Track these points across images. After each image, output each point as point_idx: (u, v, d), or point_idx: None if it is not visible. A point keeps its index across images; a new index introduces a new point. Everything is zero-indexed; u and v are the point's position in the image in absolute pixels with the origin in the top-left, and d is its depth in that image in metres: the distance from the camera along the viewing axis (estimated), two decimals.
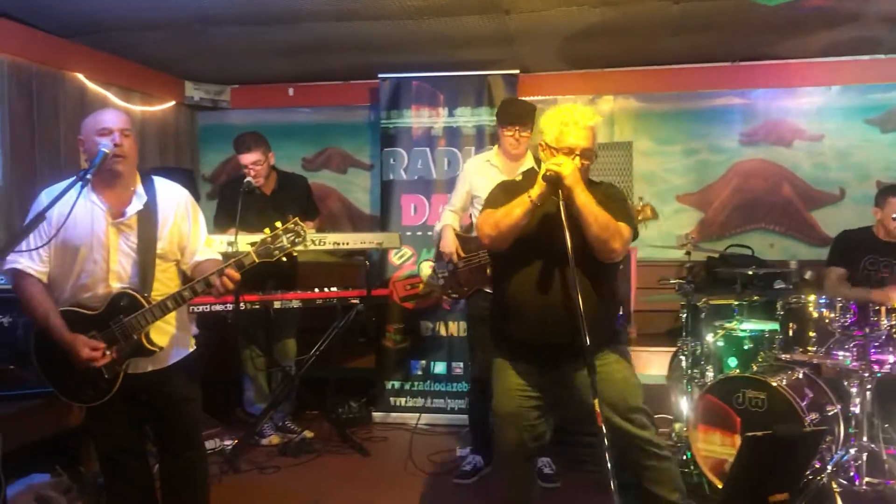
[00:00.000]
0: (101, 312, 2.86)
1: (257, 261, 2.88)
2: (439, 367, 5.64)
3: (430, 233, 5.64)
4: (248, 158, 4.78)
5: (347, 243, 4.90)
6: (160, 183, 3.05)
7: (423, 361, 5.66)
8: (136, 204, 2.92)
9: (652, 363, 5.27)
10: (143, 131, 5.85)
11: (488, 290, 3.85)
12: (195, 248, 3.09)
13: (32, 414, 3.63)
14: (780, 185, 6.03)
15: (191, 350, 3.14)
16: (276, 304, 4.75)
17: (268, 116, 6.52)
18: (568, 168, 2.71)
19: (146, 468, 3.19)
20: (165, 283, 3.00)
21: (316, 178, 6.25)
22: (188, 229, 3.07)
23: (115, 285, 2.89)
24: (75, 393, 2.97)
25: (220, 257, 3.14)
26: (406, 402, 5.64)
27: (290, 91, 6.57)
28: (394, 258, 5.75)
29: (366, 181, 6.63)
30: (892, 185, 4.61)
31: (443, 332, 5.64)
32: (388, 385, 5.67)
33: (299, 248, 2.89)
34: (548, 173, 2.71)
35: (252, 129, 5.08)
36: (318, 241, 4.64)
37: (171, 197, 3.04)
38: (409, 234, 5.67)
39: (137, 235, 2.92)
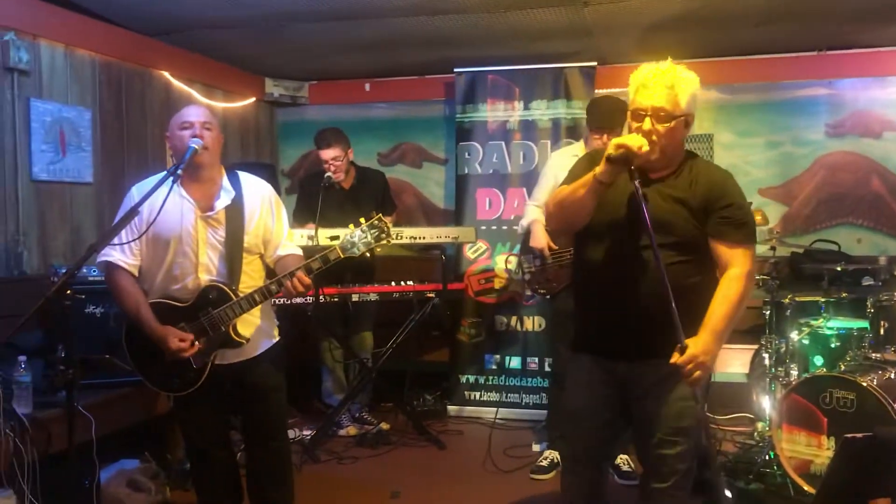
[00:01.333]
0: (191, 305, 2.94)
1: (342, 256, 2.92)
2: (514, 362, 5.62)
3: (504, 227, 5.66)
4: (328, 154, 4.84)
5: (424, 237, 4.94)
6: (245, 178, 3.12)
7: (498, 356, 5.64)
8: (225, 199, 2.99)
9: (732, 360, 5.16)
10: (225, 127, 5.92)
11: None
12: (278, 242, 3.15)
13: (123, 402, 3.74)
14: (869, 178, 5.79)
15: (276, 340, 3.20)
16: (355, 298, 4.83)
17: (344, 112, 6.59)
18: (636, 141, 2.42)
19: (231, 456, 3.29)
20: (251, 276, 3.07)
21: (391, 173, 6.27)
22: (272, 224, 3.13)
23: (204, 277, 2.96)
24: (164, 382, 3.06)
25: (300, 252, 3.19)
26: (481, 396, 5.65)
27: (367, 86, 6.63)
28: (468, 252, 5.75)
29: (440, 175, 6.63)
30: None
31: (517, 327, 5.62)
32: (463, 379, 5.69)
33: (383, 243, 2.92)
34: (615, 153, 2.40)
35: (329, 124, 5.15)
36: (396, 236, 4.68)
37: (257, 192, 3.10)
38: (483, 228, 5.66)
39: (225, 229, 2.98)
